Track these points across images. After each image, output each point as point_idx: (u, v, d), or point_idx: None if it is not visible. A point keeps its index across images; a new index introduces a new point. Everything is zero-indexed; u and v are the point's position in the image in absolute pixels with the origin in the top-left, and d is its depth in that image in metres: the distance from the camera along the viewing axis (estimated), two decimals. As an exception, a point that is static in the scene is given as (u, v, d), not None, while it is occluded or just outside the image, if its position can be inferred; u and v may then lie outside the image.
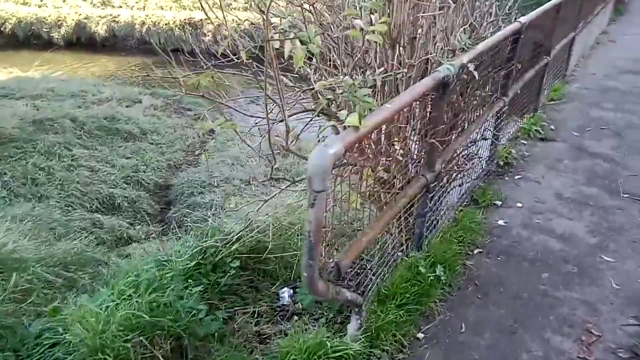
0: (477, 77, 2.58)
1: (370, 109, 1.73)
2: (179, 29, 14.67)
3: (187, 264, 2.93)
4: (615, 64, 7.57)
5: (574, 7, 5.91)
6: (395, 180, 2.47)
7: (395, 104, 2.00)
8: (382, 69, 2.38)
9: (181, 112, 10.10)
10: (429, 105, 2.59)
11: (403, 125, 2.48)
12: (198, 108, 9.90)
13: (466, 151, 3.39)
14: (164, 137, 8.55)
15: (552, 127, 5.11)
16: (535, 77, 4.90)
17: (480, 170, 3.99)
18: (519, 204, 3.69)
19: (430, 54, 2.69)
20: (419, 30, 2.76)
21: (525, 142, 4.77)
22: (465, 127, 3.20)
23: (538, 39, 4.72)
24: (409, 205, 2.67)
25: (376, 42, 2.58)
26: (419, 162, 2.66)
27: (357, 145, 1.78)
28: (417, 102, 2.56)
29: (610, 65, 7.55)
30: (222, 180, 7.24)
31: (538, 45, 4.79)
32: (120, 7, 15.59)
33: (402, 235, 2.74)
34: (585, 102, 5.92)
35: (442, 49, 2.63)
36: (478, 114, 3.41)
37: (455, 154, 3.11)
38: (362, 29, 1.91)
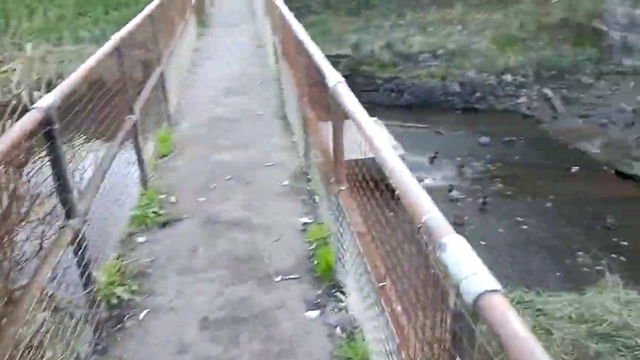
0: None
1: None
2: None
3: None
4: (217, 85, 7.07)
5: (146, 43, 4.87)
6: None
7: None
8: None
9: None
10: None
11: None
12: None
13: None
14: None
15: (174, 198, 3.98)
16: (124, 148, 3.64)
17: (81, 341, 2.49)
18: (154, 376, 2.39)
19: None
20: None
21: (142, 238, 3.48)
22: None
23: (104, 103, 3.41)
24: None
25: None
26: None
27: None
28: None
29: (213, 87, 7.01)
30: None
31: (110, 110, 3.49)
32: None
33: None
34: (200, 145, 5.04)
35: None
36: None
37: None
38: None
